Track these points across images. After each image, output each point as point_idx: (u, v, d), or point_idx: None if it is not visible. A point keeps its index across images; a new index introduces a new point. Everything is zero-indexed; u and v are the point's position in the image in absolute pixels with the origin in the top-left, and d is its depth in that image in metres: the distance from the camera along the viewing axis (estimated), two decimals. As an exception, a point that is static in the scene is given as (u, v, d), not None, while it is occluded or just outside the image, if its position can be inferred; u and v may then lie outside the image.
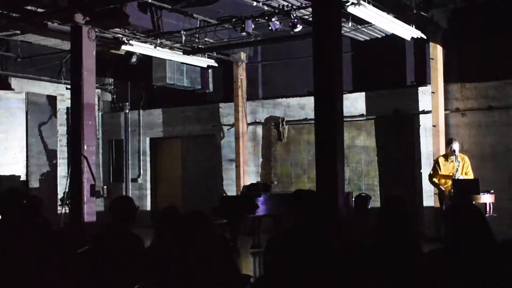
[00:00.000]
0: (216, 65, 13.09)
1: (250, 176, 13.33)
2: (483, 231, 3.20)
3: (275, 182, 12.98)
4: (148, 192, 14.76)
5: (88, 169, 9.54)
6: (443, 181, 9.61)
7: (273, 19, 9.93)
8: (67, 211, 10.68)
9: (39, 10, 9.59)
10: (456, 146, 9.60)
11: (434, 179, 9.70)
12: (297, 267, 3.24)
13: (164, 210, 4.68)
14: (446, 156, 9.72)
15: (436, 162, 9.87)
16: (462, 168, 9.51)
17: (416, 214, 11.01)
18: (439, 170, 9.66)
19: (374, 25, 10.35)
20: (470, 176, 9.54)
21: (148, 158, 14.87)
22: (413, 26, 10.41)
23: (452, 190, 9.29)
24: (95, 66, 9.85)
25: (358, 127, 12.21)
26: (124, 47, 11.12)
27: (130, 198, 5.04)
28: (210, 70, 13.70)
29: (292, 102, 12.96)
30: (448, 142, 9.88)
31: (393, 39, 11.05)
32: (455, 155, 9.51)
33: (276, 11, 9.84)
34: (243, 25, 10.14)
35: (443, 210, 9.22)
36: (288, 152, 13.06)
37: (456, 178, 9.36)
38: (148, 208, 14.56)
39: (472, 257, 3.10)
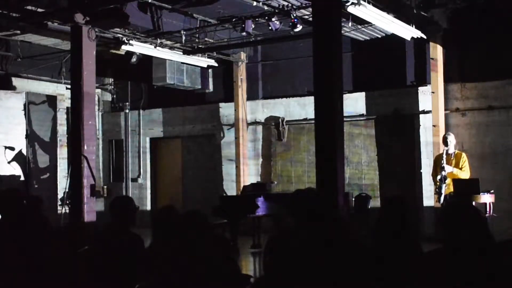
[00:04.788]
0: (216, 65, 13.08)
1: (250, 176, 13.32)
2: (481, 231, 3.20)
3: (275, 182, 12.98)
4: (148, 192, 14.76)
5: (88, 169, 9.54)
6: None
7: (273, 19, 9.93)
8: (67, 211, 10.66)
9: (39, 10, 9.59)
10: (450, 137, 9.56)
11: (435, 178, 9.65)
12: (297, 267, 3.24)
13: (161, 211, 4.68)
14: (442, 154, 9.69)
15: (434, 160, 9.88)
16: (459, 161, 9.46)
17: (416, 214, 11.01)
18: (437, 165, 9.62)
19: (374, 25, 10.35)
20: (466, 171, 9.45)
21: (148, 158, 14.87)
22: (413, 26, 10.40)
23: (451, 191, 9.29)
24: (95, 66, 9.85)
25: (358, 127, 12.21)
26: (124, 47, 11.12)
27: (130, 198, 5.03)
28: (210, 70, 13.70)
29: (292, 102, 12.96)
30: (443, 136, 9.88)
31: (393, 39, 11.06)
32: (448, 146, 9.47)
33: (276, 11, 9.84)
34: (243, 25, 10.15)
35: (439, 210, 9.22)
36: (288, 152, 13.06)
37: (442, 166, 9.28)
38: (148, 208, 14.56)
39: (471, 257, 3.10)
